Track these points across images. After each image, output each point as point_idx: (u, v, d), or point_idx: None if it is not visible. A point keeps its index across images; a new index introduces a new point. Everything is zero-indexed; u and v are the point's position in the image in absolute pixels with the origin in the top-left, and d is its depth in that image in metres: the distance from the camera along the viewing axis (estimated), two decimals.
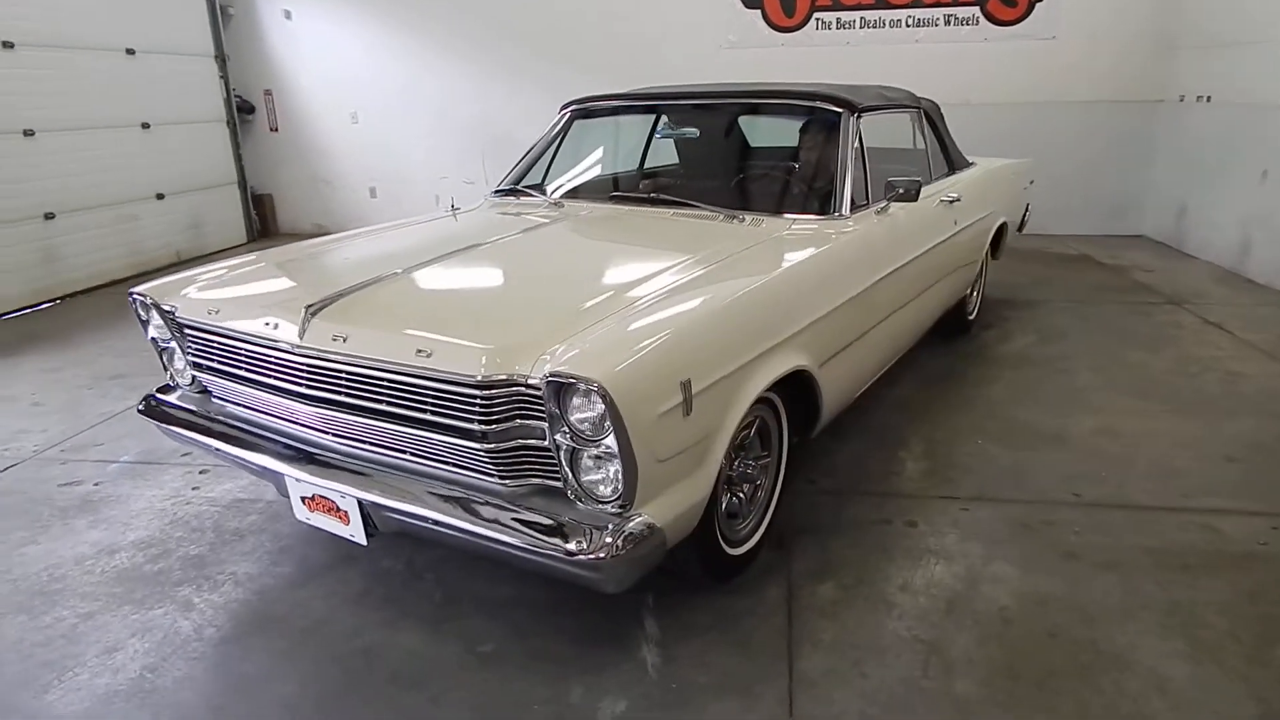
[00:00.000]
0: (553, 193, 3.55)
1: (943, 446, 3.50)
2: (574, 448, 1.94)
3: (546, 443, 1.98)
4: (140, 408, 2.79)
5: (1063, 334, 4.97)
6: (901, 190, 3.22)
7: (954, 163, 4.40)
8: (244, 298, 2.52)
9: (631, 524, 1.94)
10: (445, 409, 2.04)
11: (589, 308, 2.17)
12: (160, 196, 7.63)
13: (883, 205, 3.28)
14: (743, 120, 3.74)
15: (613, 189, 3.65)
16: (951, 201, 3.96)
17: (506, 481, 2.07)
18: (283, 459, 2.36)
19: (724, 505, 2.49)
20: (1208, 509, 2.96)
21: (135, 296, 2.70)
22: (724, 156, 3.82)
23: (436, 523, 2.08)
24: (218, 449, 2.52)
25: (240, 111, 8.78)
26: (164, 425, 2.70)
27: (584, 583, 2.00)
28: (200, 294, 2.59)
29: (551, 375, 1.86)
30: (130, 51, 7.30)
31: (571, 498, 2.01)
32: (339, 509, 2.29)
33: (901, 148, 4.22)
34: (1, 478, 3.48)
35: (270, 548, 2.85)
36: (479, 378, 1.95)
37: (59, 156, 6.57)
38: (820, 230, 2.98)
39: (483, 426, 1.99)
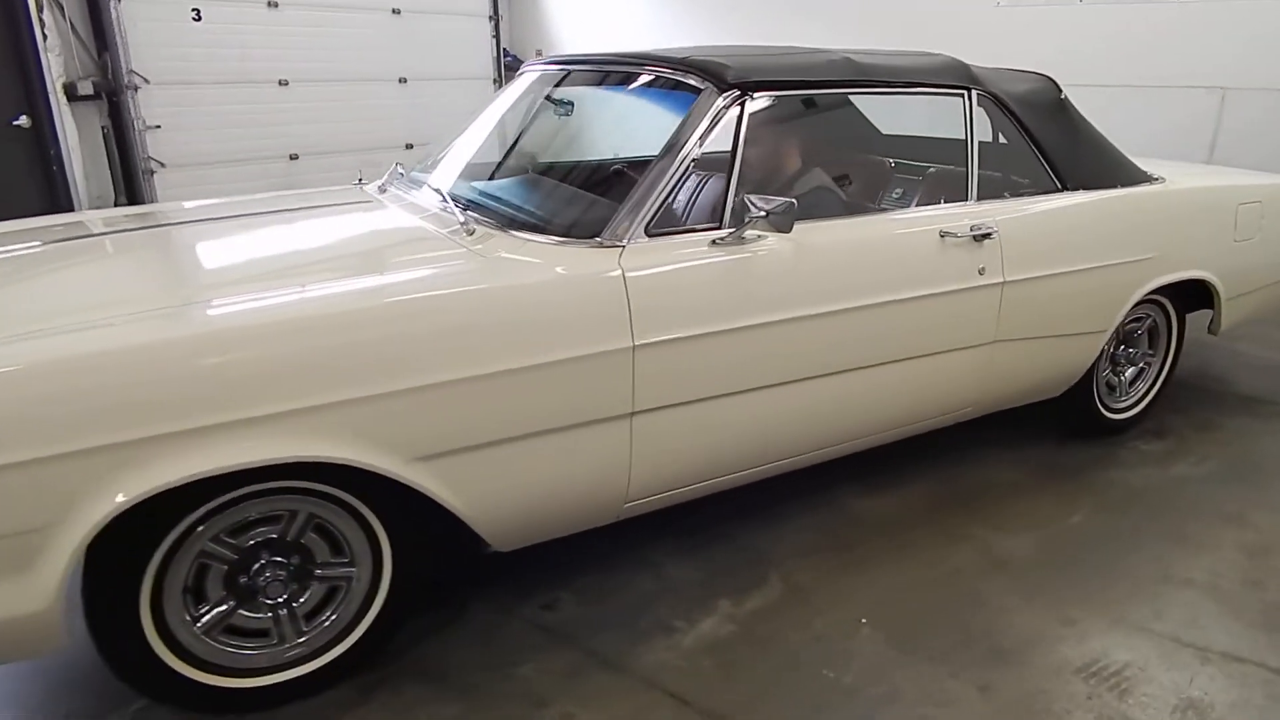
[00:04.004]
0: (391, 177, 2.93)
1: (797, 614, 2.26)
2: None
3: None
4: None
5: (1268, 473, 3.01)
6: (765, 211, 2.08)
7: (1065, 174, 2.79)
8: None
9: None
10: None
11: None
12: (409, 146, 8.26)
13: (730, 233, 2.14)
14: (623, 100, 2.72)
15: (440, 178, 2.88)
16: (979, 237, 2.51)
17: None
18: None
19: (202, 621, 1.82)
20: None
21: None
22: (576, 146, 2.85)
23: None
24: None
25: (509, 70, 9.13)
26: None
27: None
28: None
29: None
30: (396, 11, 7.91)
31: None
32: None
33: (947, 139, 2.79)
34: None
35: None
36: None
37: (310, 105, 7.38)
38: (528, 261, 2.01)
39: None
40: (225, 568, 1.82)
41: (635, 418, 2.08)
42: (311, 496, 1.83)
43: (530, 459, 1.98)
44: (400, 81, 8.07)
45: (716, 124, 2.22)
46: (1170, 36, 5.60)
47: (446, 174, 2.77)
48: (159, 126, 6.51)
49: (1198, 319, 3.39)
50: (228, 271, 2.17)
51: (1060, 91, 2.88)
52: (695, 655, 2.11)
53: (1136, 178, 3.00)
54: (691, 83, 2.28)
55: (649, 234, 2.10)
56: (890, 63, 2.55)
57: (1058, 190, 2.80)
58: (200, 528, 1.74)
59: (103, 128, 6.33)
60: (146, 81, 6.37)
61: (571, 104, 2.82)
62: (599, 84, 2.79)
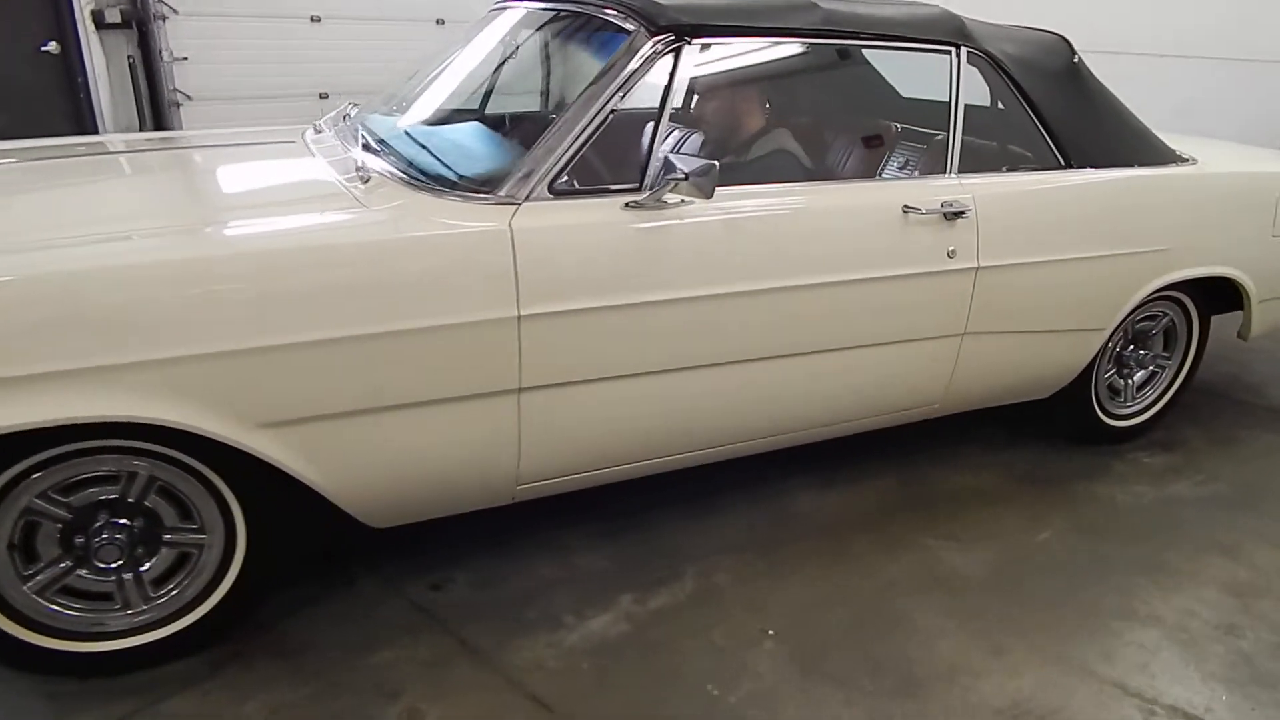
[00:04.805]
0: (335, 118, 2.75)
1: (702, 618, 2.06)
2: None
3: None
4: None
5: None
6: (683, 173, 1.85)
7: (1070, 148, 2.45)
8: None
9: None
10: None
11: None
12: None
13: (646, 195, 1.91)
14: (568, 43, 2.47)
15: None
16: (950, 215, 2.23)
17: None
18: None
19: (34, 581, 1.70)
20: None
21: None
22: (517, 91, 2.62)
23: None
24: None
25: None
26: None
27: None
28: None
29: None
30: None
31: None
32: None
33: (932, 100, 2.48)
34: None
35: None
36: None
37: (343, 43, 7.25)
38: (410, 216, 1.81)
39: None
40: (59, 526, 1.72)
41: (523, 394, 1.89)
42: (153, 458, 1.71)
43: (400, 432, 1.82)
44: (438, 23, 7.88)
45: (645, 71, 1.98)
46: (1267, 5, 5.02)
47: (385, 116, 2.59)
48: (186, 58, 6.47)
49: (1229, 321, 3.04)
50: (64, 212, 1.98)
51: (1074, 54, 2.54)
52: (575, 655, 1.94)
53: (1160, 157, 2.65)
54: (622, 24, 2.04)
55: (554, 192, 1.89)
56: (865, 11, 2.26)
57: (1060, 167, 2.48)
58: (27, 480, 1.64)
59: (129, 57, 6.32)
60: (175, 12, 6.33)
61: (518, 45, 2.60)
62: (554, 24, 2.55)
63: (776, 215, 2.07)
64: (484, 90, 2.71)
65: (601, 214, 1.91)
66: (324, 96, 7.29)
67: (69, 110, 6.20)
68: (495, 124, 2.50)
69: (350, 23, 7.22)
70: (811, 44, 2.24)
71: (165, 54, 6.33)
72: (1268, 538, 2.46)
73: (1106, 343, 2.70)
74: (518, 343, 1.83)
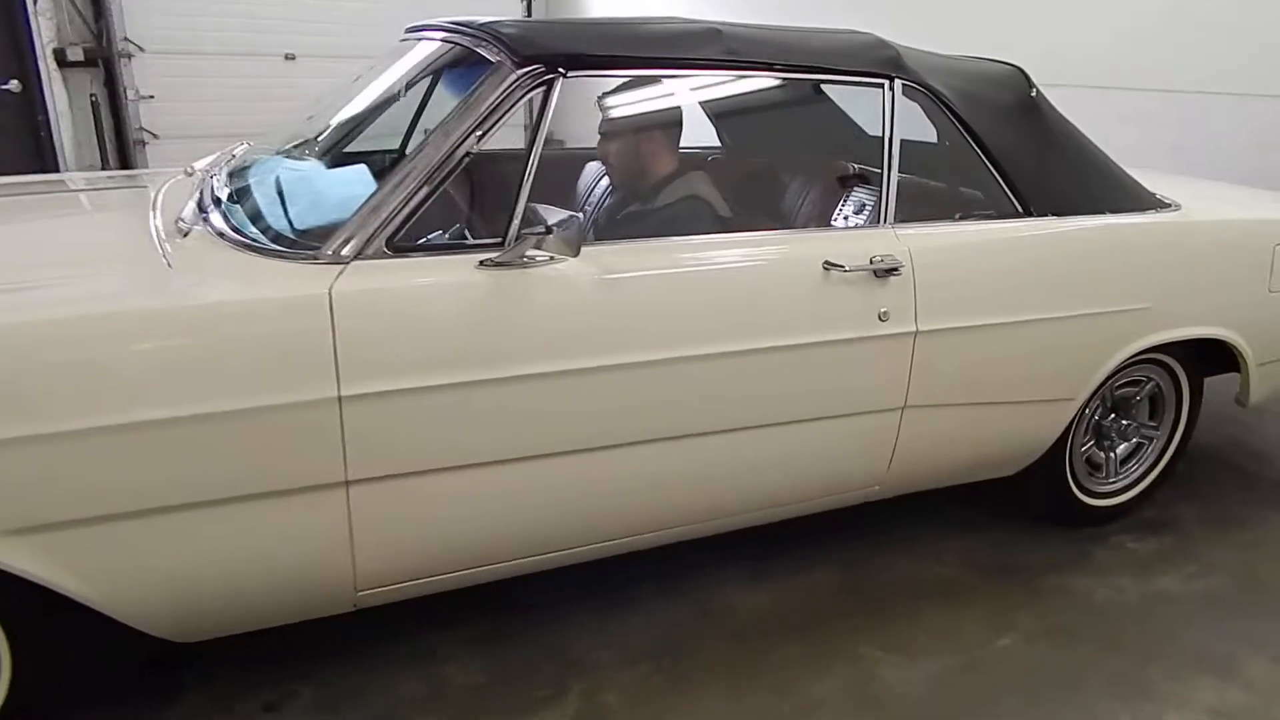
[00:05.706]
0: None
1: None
2: None
3: None
4: None
5: None
6: (544, 228, 1.57)
7: (1028, 194, 2.14)
8: None
9: None
10: None
11: None
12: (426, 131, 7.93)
13: (501, 255, 1.62)
14: (444, 78, 2.20)
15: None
16: (881, 272, 1.92)
17: None
18: None
19: None
20: None
21: None
22: (391, 133, 2.36)
23: None
24: None
25: None
26: None
27: None
28: None
29: None
30: None
31: None
32: None
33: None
34: None
35: None
36: None
37: (318, 81, 7.03)
38: (215, 278, 1.54)
39: None
40: None
41: (353, 488, 1.59)
42: None
43: (196, 536, 1.52)
44: None
45: (508, 109, 1.70)
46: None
47: (267, 157, 2.35)
48: (152, 97, 6.32)
49: (1226, 383, 2.69)
50: None
51: (1031, 87, 2.24)
52: None
53: (1136, 203, 2.33)
54: (486, 55, 1.77)
55: (393, 249, 1.61)
56: (779, 39, 1.97)
57: (1018, 215, 2.17)
58: None
59: (91, 96, 6.17)
60: (141, 50, 6.19)
61: (410, 82, 2.34)
62: (447, 57, 2.28)
63: (666, 274, 1.77)
64: (378, 130, 2.46)
65: (450, 274, 1.62)
66: None
67: (30, 149, 6.04)
68: (377, 168, 2.24)
69: (326, 60, 7.06)
70: (720, 76, 1.95)
71: (131, 92, 6.18)
72: (1266, 647, 2.09)
73: (1081, 412, 2.37)
74: (339, 428, 1.54)
